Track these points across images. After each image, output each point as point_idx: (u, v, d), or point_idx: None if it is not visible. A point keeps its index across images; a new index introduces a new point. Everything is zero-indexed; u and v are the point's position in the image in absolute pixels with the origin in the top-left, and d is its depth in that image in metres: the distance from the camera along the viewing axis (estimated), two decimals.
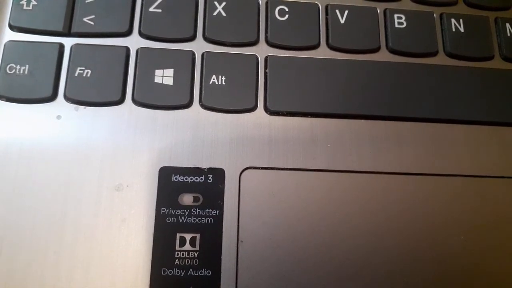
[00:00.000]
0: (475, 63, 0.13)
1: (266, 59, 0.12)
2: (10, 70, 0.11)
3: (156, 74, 0.12)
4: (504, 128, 0.13)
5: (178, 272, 0.10)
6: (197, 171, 0.11)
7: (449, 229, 0.11)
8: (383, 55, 0.13)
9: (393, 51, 0.13)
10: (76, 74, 0.12)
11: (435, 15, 0.13)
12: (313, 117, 0.12)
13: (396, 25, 0.13)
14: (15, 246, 0.10)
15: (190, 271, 0.10)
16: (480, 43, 0.13)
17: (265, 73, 0.12)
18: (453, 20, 0.13)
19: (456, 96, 0.12)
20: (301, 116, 0.12)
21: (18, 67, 0.12)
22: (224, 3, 0.12)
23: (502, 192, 0.12)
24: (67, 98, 0.11)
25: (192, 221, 0.10)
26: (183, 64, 0.12)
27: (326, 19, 0.13)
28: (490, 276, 0.11)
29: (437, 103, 0.12)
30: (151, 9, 0.12)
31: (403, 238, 0.11)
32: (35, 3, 0.12)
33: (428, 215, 0.11)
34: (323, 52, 0.13)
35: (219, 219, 0.10)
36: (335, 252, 0.11)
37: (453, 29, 0.13)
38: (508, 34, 0.13)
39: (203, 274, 0.10)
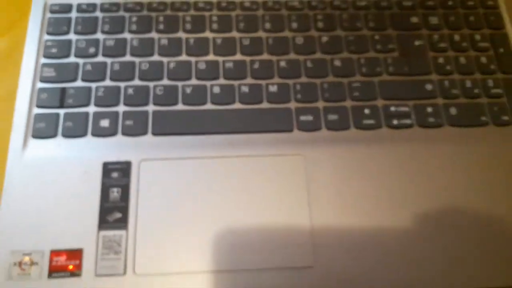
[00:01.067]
0: None
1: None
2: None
3: None
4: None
5: (111, 205, 0.23)
6: (120, 162, 0.25)
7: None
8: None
9: None
10: None
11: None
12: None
13: None
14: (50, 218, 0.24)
15: (116, 203, 0.23)
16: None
17: None
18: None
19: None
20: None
21: None
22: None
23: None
24: None
25: (118, 184, 0.24)
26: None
27: None
28: None
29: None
30: None
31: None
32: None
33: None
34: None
35: (129, 182, 0.24)
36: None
37: None
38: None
39: (121, 205, 0.23)
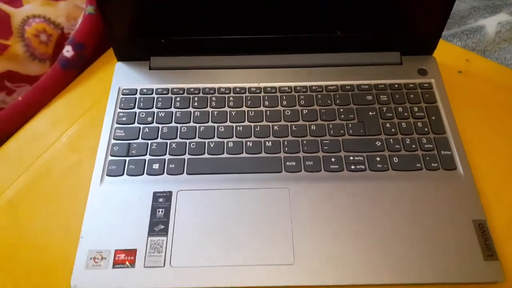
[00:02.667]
0: None
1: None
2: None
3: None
4: None
5: (157, 219, 0.35)
6: (165, 192, 0.36)
7: None
8: None
9: None
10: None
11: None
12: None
13: None
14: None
15: (161, 219, 0.35)
16: None
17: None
18: None
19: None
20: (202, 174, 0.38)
21: None
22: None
23: None
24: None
25: (162, 206, 0.36)
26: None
27: None
28: None
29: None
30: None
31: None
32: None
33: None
34: None
35: (170, 205, 0.36)
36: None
37: None
38: None
39: (164, 220, 0.35)
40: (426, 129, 0.40)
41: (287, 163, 0.38)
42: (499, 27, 0.57)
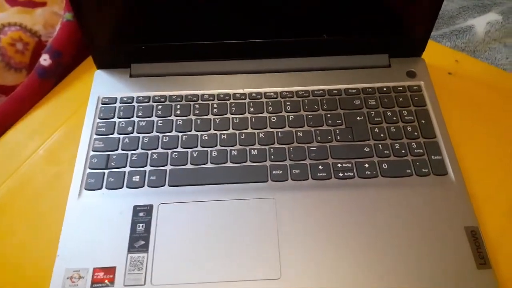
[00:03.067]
0: None
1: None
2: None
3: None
4: None
5: (137, 235, 0.33)
6: (145, 205, 0.35)
7: None
8: None
9: None
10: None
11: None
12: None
13: None
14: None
15: (141, 234, 0.33)
16: None
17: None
18: None
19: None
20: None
21: None
22: None
23: None
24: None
25: (143, 220, 0.34)
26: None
27: None
28: None
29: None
30: None
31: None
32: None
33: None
34: None
35: (151, 219, 0.34)
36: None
37: None
38: None
39: (144, 236, 0.33)
40: (416, 134, 0.39)
41: (273, 171, 0.37)
42: (489, 27, 0.56)
